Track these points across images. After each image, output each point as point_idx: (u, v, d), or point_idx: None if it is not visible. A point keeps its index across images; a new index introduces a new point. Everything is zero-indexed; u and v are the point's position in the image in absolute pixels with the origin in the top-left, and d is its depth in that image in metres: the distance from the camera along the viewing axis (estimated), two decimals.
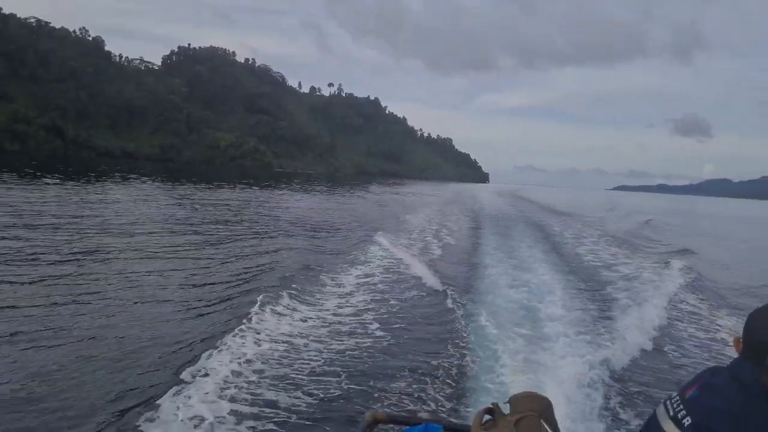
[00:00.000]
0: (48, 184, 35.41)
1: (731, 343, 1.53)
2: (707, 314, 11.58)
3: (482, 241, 20.57)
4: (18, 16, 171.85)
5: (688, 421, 1.35)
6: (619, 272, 15.47)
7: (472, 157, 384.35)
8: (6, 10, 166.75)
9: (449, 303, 9.86)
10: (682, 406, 1.39)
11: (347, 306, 9.59)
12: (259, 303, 8.84)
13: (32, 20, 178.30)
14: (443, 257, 16.44)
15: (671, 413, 1.40)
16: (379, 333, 8.12)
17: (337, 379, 6.38)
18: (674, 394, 1.46)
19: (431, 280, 11.96)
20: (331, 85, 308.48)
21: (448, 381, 6.70)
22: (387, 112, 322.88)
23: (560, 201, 71.49)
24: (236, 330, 7.45)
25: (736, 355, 1.46)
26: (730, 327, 12.24)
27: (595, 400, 6.47)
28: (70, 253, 13.15)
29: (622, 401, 6.58)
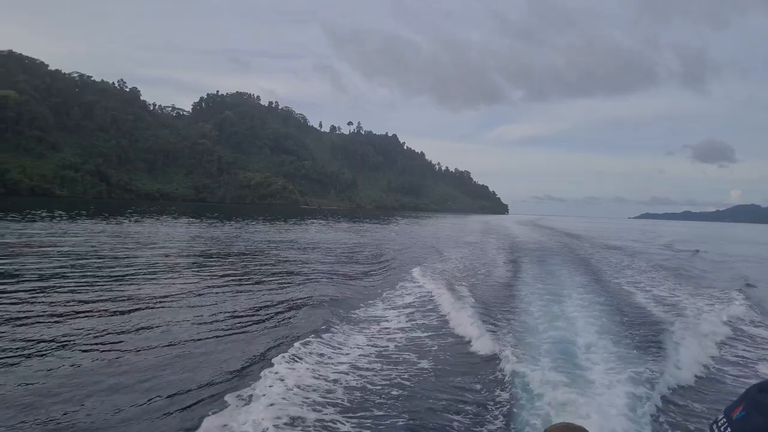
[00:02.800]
0: (110, 223, 41.04)
1: None
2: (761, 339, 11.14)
3: (519, 272, 20.29)
4: (63, 71, 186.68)
5: None
6: (665, 302, 14.78)
7: (490, 188, 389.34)
8: (51, 67, 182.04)
9: (487, 337, 9.51)
10: (730, 429, 1.32)
11: (381, 341, 9.46)
12: (294, 338, 8.94)
13: (75, 75, 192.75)
14: (478, 287, 15.96)
15: None
16: (413, 367, 8.05)
17: (373, 413, 6.38)
18: (720, 416, 1.38)
19: (468, 312, 11.55)
20: (350, 123, 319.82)
21: (484, 414, 6.68)
22: (405, 147, 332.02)
23: (588, 230, 70.19)
24: (274, 360, 7.57)
25: None
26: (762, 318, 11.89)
27: (638, 429, 6.30)
28: (108, 287, 13.72)
29: (667, 429, 6.42)
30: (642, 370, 8.06)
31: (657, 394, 7.20)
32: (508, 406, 6.72)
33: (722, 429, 1.34)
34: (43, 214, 45.78)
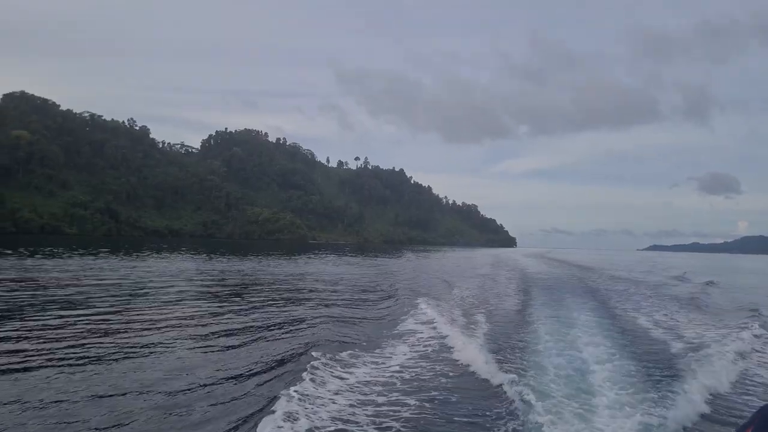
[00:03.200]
0: (119, 259, 41.66)
1: None
2: None
3: (529, 302, 20.31)
4: (74, 111, 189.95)
5: None
6: (677, 331, 14.72)
7: (498, 221, 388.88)
8: (63, 107, 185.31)
9: (496, 367, 9.42)
10: None
11: (389, 373, 9.34)
12: (299, 371, 8.85)
13: (86, 114, 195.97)
14: (487, 317, 16.10)
15: None
16: (421, 397, 8.00)
17: None
18: None
19: (476, 342, 11.50)
20: (357, 158, 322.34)
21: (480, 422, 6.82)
22: (412, 182, 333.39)
23: (597, 262, 70.41)
24: (280, 396, 7.50)
25: None
26: None
27: None
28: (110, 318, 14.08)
29: None
30: (654, 398, 8.12)
31: (670, 423, 7.13)
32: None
33: None
34: (64, 251, 46.09)
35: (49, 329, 12.38)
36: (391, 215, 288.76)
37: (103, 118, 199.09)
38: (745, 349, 12.25)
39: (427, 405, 7.75)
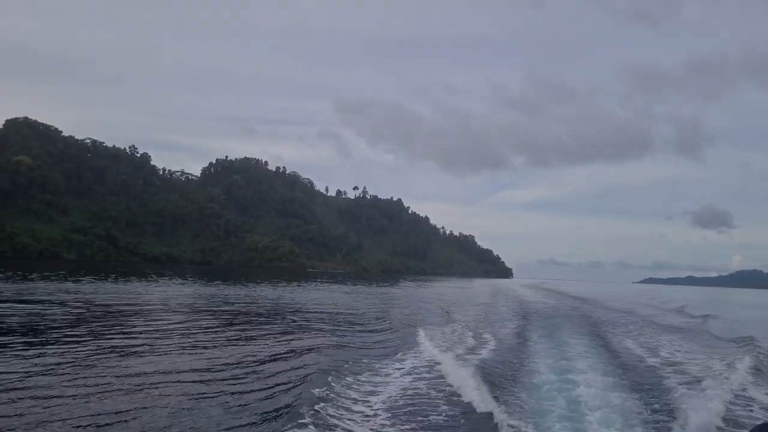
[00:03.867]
0: (123, 284, 42.31)
1: None
2: None
3: (527, 333, 20.51)
4: (75, 137, 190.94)
5: None
6: (674, 365, 14.90)
7: (495, 252, 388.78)
8: (65, 133, 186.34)
9: (491, 400, 9.41)
10: None
11: (385, 405, 9.36)
12: (298, 404, 8.75)
13: (88, 141, 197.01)
14: (485, 348, 16.17)
15: None
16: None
17: None
18: None
19: (473, 376, 11.18)
20: (356, 188, 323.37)
21: None
22: (410, 212, 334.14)
23: (595, 294, 70.63)
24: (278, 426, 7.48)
25: None
26: None
27: None
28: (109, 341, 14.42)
29: None
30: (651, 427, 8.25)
31: None
32: None
33: None
34: (70, 277, 46.29)
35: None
36: (388, 245, 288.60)
37: (104, 144, 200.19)
38: (741, 381, 12.40)
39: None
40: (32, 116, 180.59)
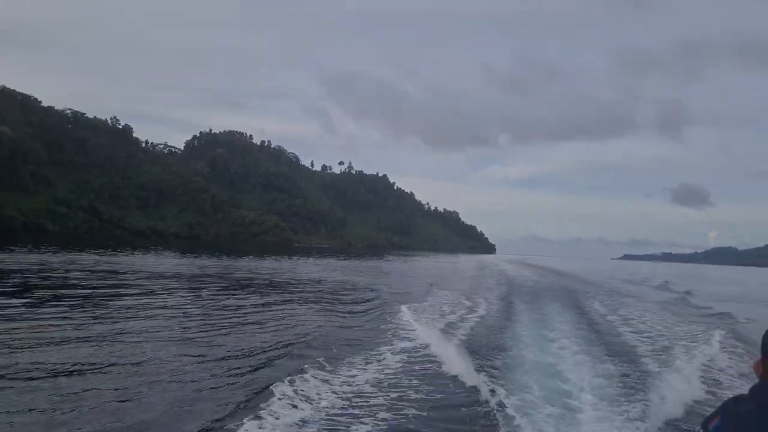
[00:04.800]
0: (110, 257, 42.25)
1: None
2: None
3: (512, 308, 20.78)
4: (56, 108, 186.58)
5: None
6: (652, 338, 15.23)
7: (478, 228, 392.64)
8: (44, 103, 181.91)
9: (475, 373, 9.43)
10: None
11: (369, 380, 9.23)
12: (280, 379, 8.60)
13: (68, 111, 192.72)
14: (470, 322, 16.31)
15: None
16: (400, 405, 7.93)
17: None
18: (698, 427, 1.41)
19: (457, 349, 11.43)
20: (341, 163, 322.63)
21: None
22: (395, 187, 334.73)
23: (577, 269, 71.02)
24: (256, 406, 7.33)
25: (757, 380, 1.41)
26: (748, 352, 12.81)
27: None
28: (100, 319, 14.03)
29: None
30: (629, 399, 8.41)
31: (646, 425, 7.33)
32: None
33: None
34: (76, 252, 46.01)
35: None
36: (373, 220, 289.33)
37: (85, 115, 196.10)
38: (714, 353, 12.87)
39: (405, 406, 7.85)
40: (10, 85, 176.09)
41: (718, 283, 65.55)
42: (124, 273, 27.97)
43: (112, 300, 17.58)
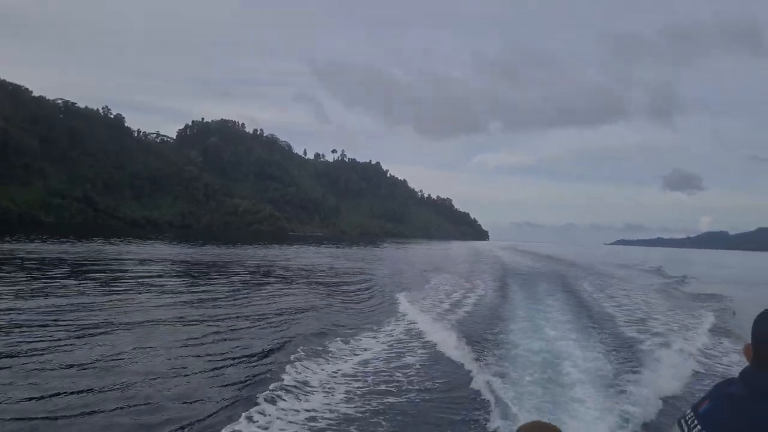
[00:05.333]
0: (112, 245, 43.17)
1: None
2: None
3: (506, 292, 21.10)
4: (47, 98, 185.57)
5: None
6: (647, 321, 15.44)
7: (471, 215, 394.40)
8: (35, 93, 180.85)
9: (471, 356, 9.75)
10: (696, 422, 1.34)
11: (365, 364, 9.49)
12: (279, 365, 8.78)
13: (59, 101, 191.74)
14: (465, 307, 16.71)
15: (686, 431, 1.35)
16: (395, 389, 8.11)
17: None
18: (688, 411, 1.41)
19: (452, 332, 11.85)
20: (334, 151, 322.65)
21: (454, 415, 7.05)
22: (388, 175, 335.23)
23: (571, 255, 72.37)
24: (258, 391, 7.43)
25: (747, 364, 1.42)
26: (738, 336, 12.82)
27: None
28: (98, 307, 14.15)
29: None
30: (621, 387, 8.46)
31: (636, 409, 7.40)
32: (486, 420, 6.85)
33: (689, 422, 1.36)
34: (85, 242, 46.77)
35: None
36: (366, 208, 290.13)
37: (76, 105, 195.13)
38: (705, 337, 13.18)
39: (400, 394, 7.91)
40: (0, 75, 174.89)
41: (710, 267, 66.75)
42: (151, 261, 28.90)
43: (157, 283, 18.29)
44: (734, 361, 10.95)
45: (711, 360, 11.17)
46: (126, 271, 24.52)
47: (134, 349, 10.01)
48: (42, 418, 6.62)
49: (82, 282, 19.30)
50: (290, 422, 6.61)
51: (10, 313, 12.74)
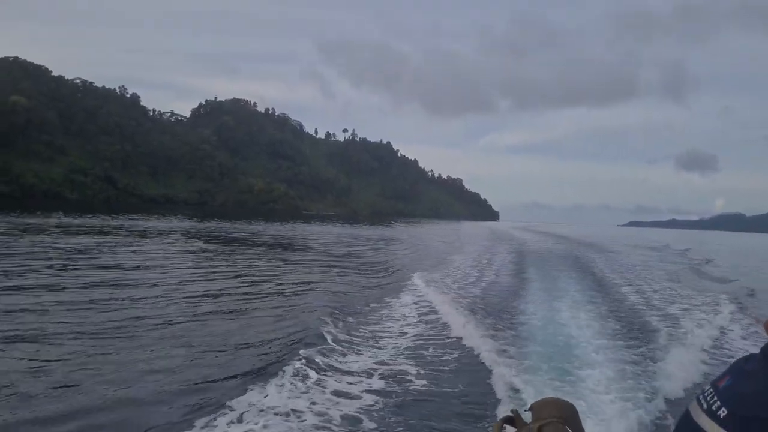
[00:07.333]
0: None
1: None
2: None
3: (523, 275, 20.94)
4: (66, 78, 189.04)
5: (723, 412, 1.26)
6: (663, 304, 15.36)
7: (482, 195, 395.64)
8: (54, 73, 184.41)
9: (484, 340, 9.79)
10: (716, 398, 1.31)
11: (381, 349, 9.49)
12: (293, 352, 8.65)
13: (78, 81, 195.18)
14: (480, 290, 16.74)
15: (705, 406, 1.31)
16: (410, 373, 8.09)
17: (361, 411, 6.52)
18: (707, 386, 1.38)
19: (468, 317, 11.84)
20: (345, 130, 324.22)
21: (468, 399, 7.04)
22: (399, 155, 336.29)
23: (589, 236, 71.11)
24: (276, 372, 7.45)
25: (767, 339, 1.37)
26: (758, 314, 12.81)
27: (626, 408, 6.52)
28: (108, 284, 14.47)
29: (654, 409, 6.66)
30: (640, 361, 8.63)
31: (656, 384, 7.51)
32: (498, 406, 6.78)
33: (708, 398, 1.34)
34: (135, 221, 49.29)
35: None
36: (377, 187, 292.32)
37: (94, 84, 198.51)
38: (725, 317, 13.34)
39: (414, 380, 7.83)
40: (22, 56, 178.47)
41: (734, 250, 65.87)
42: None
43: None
44: (753, 339, 11.12)
45: (729, 337, 11.45)
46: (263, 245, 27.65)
47: (156, 323, 10.64)
48: (67, 387, 7.10)
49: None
50: (304, 407, 6.59)
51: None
